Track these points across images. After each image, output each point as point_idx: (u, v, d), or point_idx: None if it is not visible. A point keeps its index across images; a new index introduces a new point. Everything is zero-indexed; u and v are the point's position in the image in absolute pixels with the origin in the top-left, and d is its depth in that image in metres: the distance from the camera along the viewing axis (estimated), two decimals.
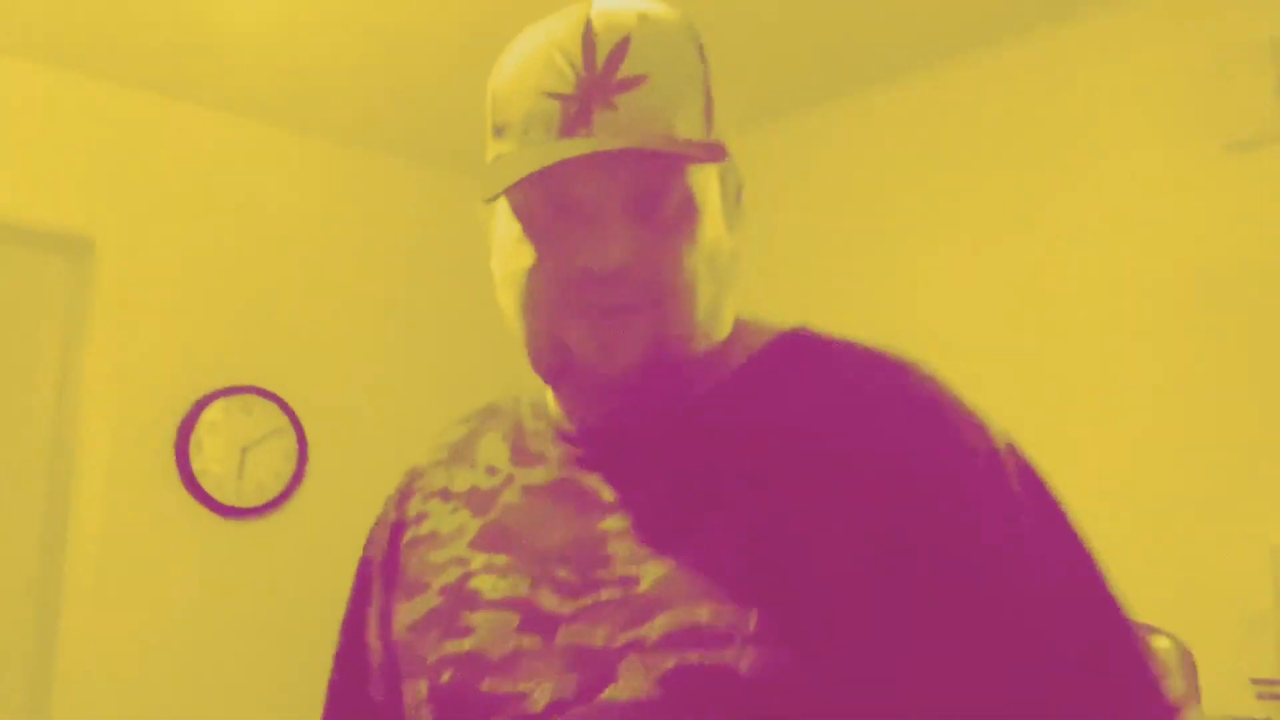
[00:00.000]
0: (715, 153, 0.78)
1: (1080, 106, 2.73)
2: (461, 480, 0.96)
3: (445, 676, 0.85)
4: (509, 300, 0.86)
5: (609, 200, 0.80)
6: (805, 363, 0.87)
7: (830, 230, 3.23)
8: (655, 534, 0.81)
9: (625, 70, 0.79)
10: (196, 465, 3.27)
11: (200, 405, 3.29)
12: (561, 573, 0.83)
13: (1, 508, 3.16)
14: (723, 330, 0.88)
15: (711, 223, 0.84)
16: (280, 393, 3.47)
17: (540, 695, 0.79)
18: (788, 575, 0.77)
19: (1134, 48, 2.65)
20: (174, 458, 3.27)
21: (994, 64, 2.92)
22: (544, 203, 0.81)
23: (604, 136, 0.77)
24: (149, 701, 3.15)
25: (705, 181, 0.84)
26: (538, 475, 0.90)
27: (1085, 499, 2.56)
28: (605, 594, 0.81)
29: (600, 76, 0.79)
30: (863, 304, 3.11)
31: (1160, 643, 1.33)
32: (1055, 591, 0.79)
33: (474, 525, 0.91)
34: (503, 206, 0.86)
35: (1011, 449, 0.84)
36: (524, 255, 0.83)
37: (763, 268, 3.35)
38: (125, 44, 3.02)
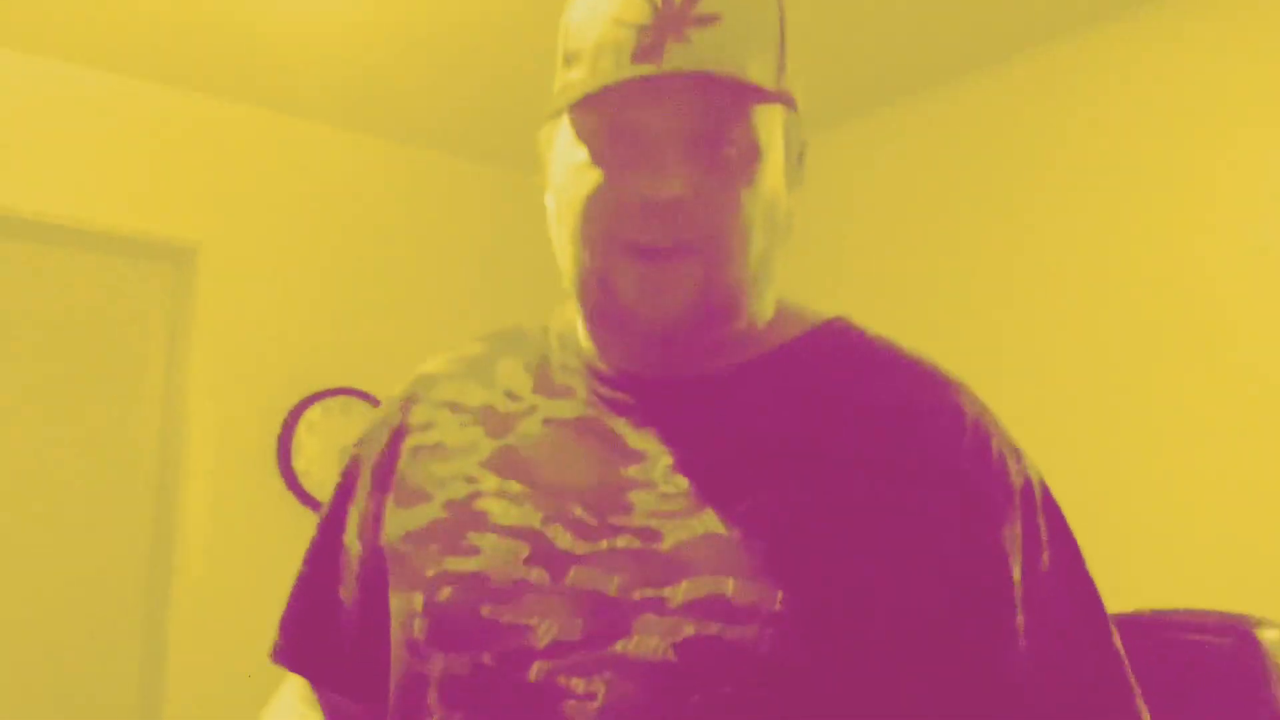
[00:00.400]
0: (784, 98, 0.78)
1: (1214, 82, 2.68)
2: (475, 396, 0.92)
3: (443, 594, 0.82)
4: (562, 230, 0.84)
5: (672, 131, 0.79)
6: (851, 356, 0.86)
7: (958, 211, 3.21)
8: (681, 493, 0.80)
9: (702, 7, 0.78)
10: (298, 465, 3.36)
11: (300, 407, 3.38)
12: (577, 511, 0.81)
13: (112, 508, 3.27)
14: (769, 295, 0.86)
15: (773, 173, 0.83)
16: (377, 394, 3.54)
17: (544, 632, 0.78)
18: (817, 563, 0.76)
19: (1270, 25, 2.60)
20: (276, 458, 3.35)
21: (1128, 37, 2.88)
22: (607, 129, 0.80)
23: (681, 65, 0.77)
24: (256, 696, 3.23)
25: (771, 130, 0.82)
26: (563, 409, 0.88)
27: (1207, 488, 2.52)
28: (622, 541, 0.79)
29: (677, 10, 0.78)
30: (986, 288, 3.09)
31: (1270, 634, 1.31)
32: (1063, 629, 0.80)
33: (487, 445, 0.88)
34: (564, 136, 0.85)
35: (1042, 482, 0.85)
36: (582, 183, 0.81)
37: (863, 261, 3.34)
38: (226, 60, 3.11)
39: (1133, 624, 1.36)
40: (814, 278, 3.44)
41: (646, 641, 0.75)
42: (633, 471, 0.82)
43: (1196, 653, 1.28)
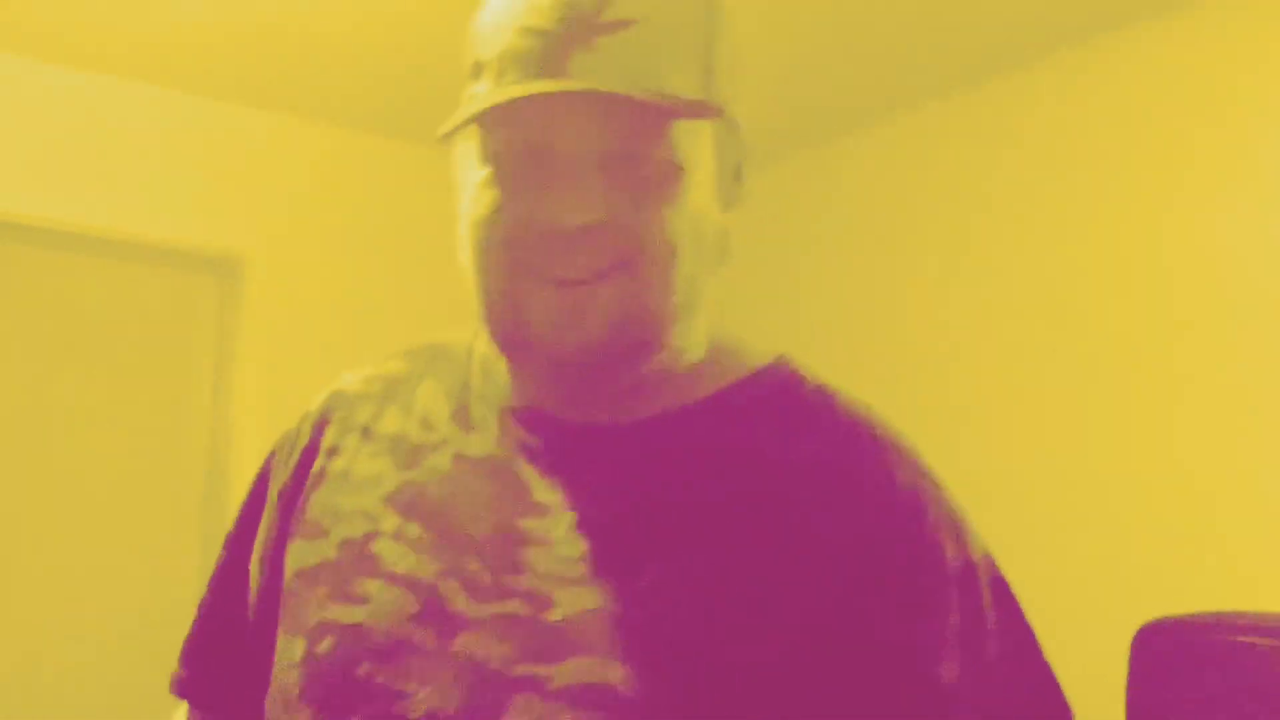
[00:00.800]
0: (703, 110, 0.71)
1: (1213, 84, 2.66)
2: (389, 422, 0.85)
3: (324, 645, 0.76)
4: (468, 254, 0.78)
5: (582, 151, 0.72)
6: (783, 412, 0.78)
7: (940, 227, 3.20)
8: (579, 557, 0.73)
9: (613, 12, 0.71)
10: None
11: None
12: (473, 566, 0.74)
13: (161, 519, 3.31)
14: (699, 324, 0.79)
15: (699, 191, 0.75)
16: None
17: (419, 701, 0.71)
18: (716, 654, 0.69)
19: None
20: None
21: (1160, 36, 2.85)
22: (512, 149, 0.73)
23: (580, 80, 0.70)
24: None
25: (696, 145, 0.75)
26: (474, 445, 0.81)
27: (1246, 487, 2.49)
28: (511, 606, 0.72)
29: (585, 15, 0.71)
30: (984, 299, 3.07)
31: None
32: None
33: (392, 479, 0.81)
34: (470, 157, 0.78)
35: (987, 559, 0.77)
36: (486, 205, 0.74)
37: (836, 287, 3.33)
38: (270, 71, 3.14)
39: (1189, 626, 1.35)
40: (780, 301, 3.44)
41: None
42: (531, 525, 0.75)
43: (1255, 655, 1.26)
